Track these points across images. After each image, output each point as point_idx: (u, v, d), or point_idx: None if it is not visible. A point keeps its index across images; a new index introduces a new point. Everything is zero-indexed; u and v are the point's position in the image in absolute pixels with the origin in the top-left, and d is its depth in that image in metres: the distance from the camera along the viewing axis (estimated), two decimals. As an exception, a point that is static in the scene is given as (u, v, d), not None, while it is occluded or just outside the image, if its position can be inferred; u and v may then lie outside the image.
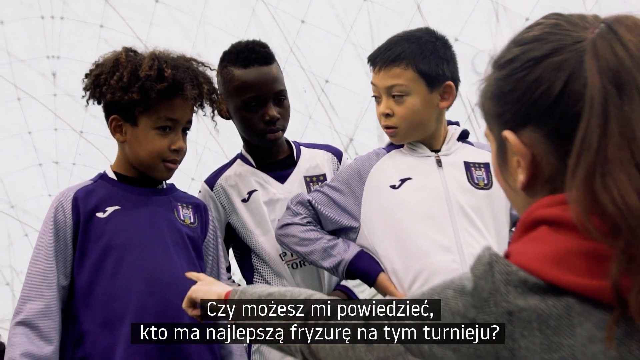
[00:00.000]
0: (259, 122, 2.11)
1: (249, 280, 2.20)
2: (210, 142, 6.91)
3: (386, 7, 6.82)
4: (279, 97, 2.14)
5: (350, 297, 2.15)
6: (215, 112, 2.03)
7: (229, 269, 2.20)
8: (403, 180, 1.98)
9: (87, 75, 1.92)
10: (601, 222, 0.79)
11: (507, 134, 0.91)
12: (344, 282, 2.19)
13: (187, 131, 1.96)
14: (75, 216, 1.84)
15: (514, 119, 0.91)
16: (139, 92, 1.80)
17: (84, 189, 1.91)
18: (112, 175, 1.96)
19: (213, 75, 2.06)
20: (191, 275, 1.68)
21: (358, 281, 2.16)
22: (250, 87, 2.12)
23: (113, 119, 1.90)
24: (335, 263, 1.96)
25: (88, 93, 1.91)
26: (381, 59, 1.97)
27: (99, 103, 1.92)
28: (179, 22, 6.92)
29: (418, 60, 1.93)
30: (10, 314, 1.98)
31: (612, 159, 0.79)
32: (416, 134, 2.00)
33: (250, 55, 2.14)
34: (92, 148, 9.32)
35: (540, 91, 0.87)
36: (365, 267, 1.93)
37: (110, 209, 1.87)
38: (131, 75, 1.81)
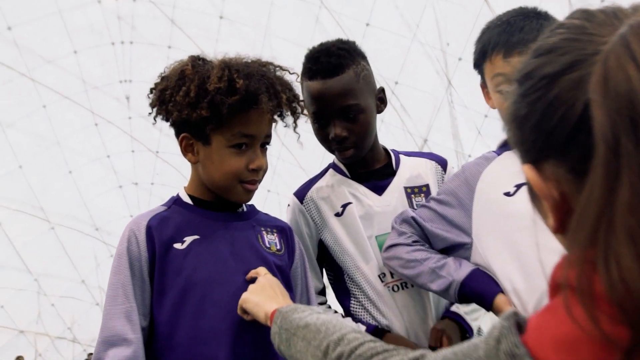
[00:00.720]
0: (326, 139, 1.91)
1: (346, 307, 1.95)
2: (284, 153, 6.91)
3: (451, 1, 6.65)
4: (347, 113, 1.89)
5: (460, 324, 1.90)
6: (297, 122, 1.80)
7: (323, 292, 2.01)
8: (519, 186, 1.68)
9: (152, 90, 1.72)
10: (609, 306, 0.61)
11: (526, 169, 0.74)
12: (454, 308, 1.94)
13: (267, 146, 1.73)
14: (150, 248, 1.63)
15: (533, 150, 0.72)
16: (209, 107, 1.59)
17: (157, 216, 1.69)
18: (187, 199, 1.75)
19: (294, 79, 1.81)
20: (251, 274, 1.57)
21: (473, 306, 1.87)
22: (312, 102, 1.91)
23: (183, 137, 1.69)
24: (446, 285, 1.73)
25: (154, 110, 1.71)
26: (516, 41, 1.66)
27: (166, 120, 1.72)
28: (244, 36, 6.95)
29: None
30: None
31: (618, 227, 0.60)
32: None
33: (312, 66, 1.92)
34: (169, 167, 9.51)
35: (557, 116, 0.67)
36: (480, 288, 1.67)
37: (188, 239, 1.67)
38: (199, 89, 1.60)
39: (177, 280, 1.61)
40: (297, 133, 1.79)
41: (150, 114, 1.70)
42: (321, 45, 1.96)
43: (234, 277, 1.64)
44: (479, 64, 1.78)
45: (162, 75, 1.72)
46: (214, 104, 1.59)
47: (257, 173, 1.68)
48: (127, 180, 10.83)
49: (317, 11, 7.13)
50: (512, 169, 1.77)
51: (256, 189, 1.72)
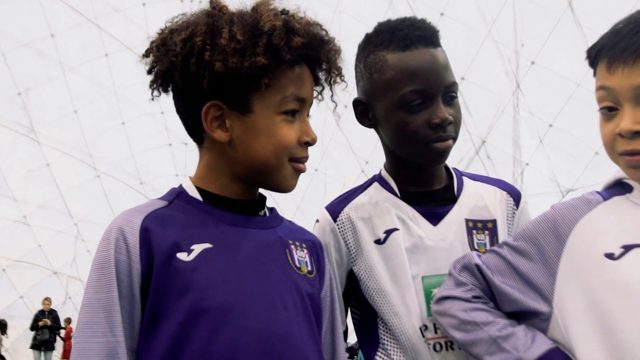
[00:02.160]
0: (424, 126, 1.44)
1: (370, 356, 1.60)
2: (337, 134, 6.79)
3: (533, 1, 6.40)
4: (450, 94, 1.50)
5: None
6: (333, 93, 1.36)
7: (345, 336, 1.58)
8: (628, 248, 1.25)
9: (157, 48, 1.26)
10: None
11: None
12: None
13: (309, 117, 1.36)
14: (145, 257, 1.19)
15: None
16: (267, 53, 1.19)
17: (154, 213, 1.25)
18: (194, 194, 1.31)
19: None
20: None
21: None
22: (414, 77, 1.42)
23: (211, 106, 1.25)
24: None
25: (162, 74, 1.26)
26: (625, 48, 1.31)
27: (185, 87, 1.26)
28: (313, 9, 6.80)
29: None
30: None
31: None
32: None
33: (411, 32, 1.49)
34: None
35: None
36: None
37: (197, 248, 1.24)
38: (247, 30, 1.21)
39: (179, 305, 1.17)
40: (334, 102, 1.41)
41: (152, 82, 1.27)
42: (400, 18, 1.64)
43: (257, 305, 1.22)
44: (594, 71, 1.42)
45: (172, 27, 1.28)
46: (273, 48, 1.21)
47: (307, 149, 1.31)
48: (178, 139, 10.86)
49: (392, -6, 6.95)
50: (622, 221, 1.32)
51: (305, 170, 1.34)
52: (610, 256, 1.23)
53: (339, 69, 1.31)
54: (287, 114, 1.26)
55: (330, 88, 1.36)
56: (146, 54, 1.27)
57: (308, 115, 1.31)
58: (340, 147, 6.80)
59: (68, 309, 11.74)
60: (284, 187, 1.30)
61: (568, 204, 1.36)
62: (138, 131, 11.04)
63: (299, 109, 1.26)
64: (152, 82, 1.26)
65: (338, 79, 1.34)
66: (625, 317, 1.18)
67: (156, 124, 10.38)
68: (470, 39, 6.92)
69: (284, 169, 1.28)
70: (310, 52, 1.25)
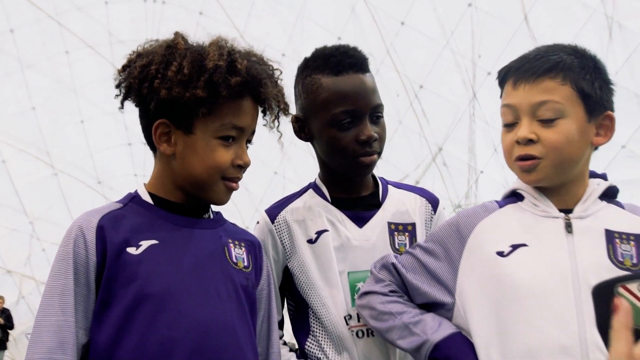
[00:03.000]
0: (352, 142, 1.68)
1: (302, 345, 1.79)
2: (297, 139, 6.85)
3: (491, 14, 6.56)
4: (376, 114, 1.73)
5: None
6: (278, 124, 1.58)
7: (281, 324, 1.79)
8: (515, 247, 1.48)
9: (124, 68, 1.47)
10: None
11: None
12: None
13: (249, 144, 1.54)
14: (100, 251, 1.38)
15: None
16: (206, 87, 1.38)
17: (110, 214, 1.44)
18: (146, 198, 1.50)
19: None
20: None
21: None
22: (344, 99, 1.64)
23: (160, 123, 1.44)
24: (417, 344, 1.51)
25: (125, 90, 1.47)
26: (528, 69, 1.51)
27: (140, 104, 1.47)
28: (278, 13, 6.87)
29: (579, 75, 1.47)
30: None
31: None
32: (562, 174, 1.50)
33: (343, 59, 1.73)
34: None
35: None
36: (454, 356, 1.48)
37: (145, 243, 1.43)
38: (194, 66, 1.40)
39: (126, 291, 1.35)
40: (279, 132, 1.59)
41: (117, 96, 1.48)
42: (334, 45, 1.81)
43: (194, 293, 1.40)
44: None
45: (139, 52, 1.49)
46: (212, 84, 1.39)
47: (241, 170, 1.50)
48: (137, 139, 10.79)
49: (354, 1, 7.04)
50: (512, 225, 1.52)
51: (237, 188, 1.53)
52: (500, 254, 1.47)
53: (280, 105, 1.51)
54: (224, 139, 1.44)
55: (277, 119, 1.51)
56: (122, 70, 1.47)
57: (250, 140, 1.50)
58: (299, 151, 6.87)
59: (21, 308, 11.54)
60: (216, 201, 1.51)
61: (470, 211, 1.62)
62: (97, 130, 10.93)
63: (236, 136, 1.45)
64: (117, 95, 1.48)
65: (280, 113, 1.52)
66: (511, 307, 1.41)
67: (116, 123, 10.30)
68: (429, 48, 7.07)
69: (216, 186, 1.46)
70: (250, 90, 1.43)
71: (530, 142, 1.47)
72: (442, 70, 7.09)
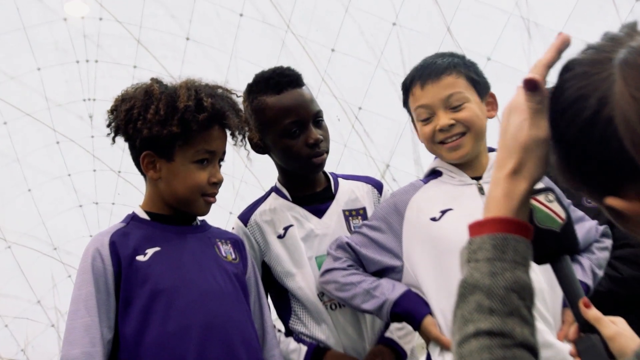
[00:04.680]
0: (303, 147, 2.03)
1: (286, 322, 2.07)
2: (247, 175, 6.92)
3: (416, 30, 6.79)
4: (318, 119, 2.10)
5: (396, 350, 1.99)
6: (247, 141, 1.96)
7: None
8: (444, 212, 1.85)
9: (112, 111, 1.80)
10: None
11: (612, 201, 0.83)
12: (388, 334, 2.01)
13: (222, 162, 1.88)
14: (115, 262, 1.71)
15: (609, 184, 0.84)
16: (179, 124, 1.71)
17: (118, 232, 1.78)
18: (144, 216, 1.86)
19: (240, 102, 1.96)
20: None
21: (405, 330, 1.96)
22: (289, 112, 2.01)
23: (146, 155, 1.79)
24: (379, 304, 1.81)
25: (114, 129, 1.78)
26: (429, 72, 1.88)
27: (129, 140, 1.80)
28: (211, 57, 6.99)
29: (465, 68, 1.88)
30: (56, 355, 1.95)
31: None
32: (479, 145, 1.88)
33: (281, 79, 2.04)
34: (131, 187, 9.40)
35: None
36: (411, 308, 1.77)
37: (150, 251, 1.76)
38: (168, 107, 1.71)
39: (143, 290, 1.68)
40: (247, 150, 1.95)
41: (109, 134, 1.79)
42: (270, 68, 2.09)
43: (197, 284, 1.72)
44: (406, 103, 1.97)
45: (123, 97, 1.79)
46: (184, 121, 1.70)
47: (216, 186, 1.80)
48: (88, 200, 10.66)
49: (283, 35, 7.20)
50: (438, 195, 1.87)
51: (215, 201, 1.82)
52: (433, 219, 1.81)
53: (243, 130, 1.87)
54: (199, 162, 1.78)
55: (242, 140, 1.91)
56: (110, 112, 1.77)
57: (222, 159, 1.86)
58: (251, 188, 6.96)
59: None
60: (198, 213, 1.85)
61: (402, 190, 1.99)
62: (46, 196, 10.77)
63: (209, 158, 1.79)
64: (108, 134, 1.78)
65: (243, 136, 1.88)
66: (448, 259, 1.70)
67: (64, 186, 10.18)
68: (362, 70, 7.26)
69: (197, 202, 1.81)
70: (217, 120, 1.76)
71: (451, 126, 1.84)
72: (377, 89, 7.27)
